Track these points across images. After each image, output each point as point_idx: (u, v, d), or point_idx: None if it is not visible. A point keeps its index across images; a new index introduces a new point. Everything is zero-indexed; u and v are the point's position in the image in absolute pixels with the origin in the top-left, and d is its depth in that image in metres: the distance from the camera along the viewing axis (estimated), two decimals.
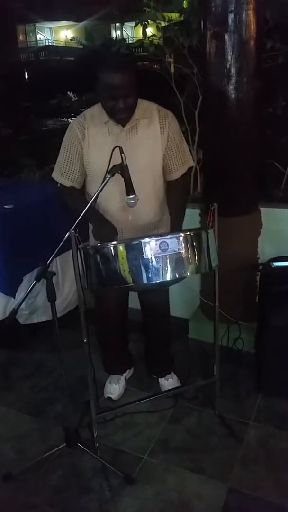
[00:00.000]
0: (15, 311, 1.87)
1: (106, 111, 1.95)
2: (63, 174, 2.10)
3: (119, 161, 1.77)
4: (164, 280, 1.70)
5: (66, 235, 1.73)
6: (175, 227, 2.17)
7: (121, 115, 1.93)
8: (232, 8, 2.26)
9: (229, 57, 2.33)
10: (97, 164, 1.99)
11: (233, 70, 2.34)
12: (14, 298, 2.60)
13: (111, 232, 2.02)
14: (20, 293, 2.59)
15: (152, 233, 2.12)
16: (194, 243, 1.74)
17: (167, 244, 1.68)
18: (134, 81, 1.89)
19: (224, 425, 2.23)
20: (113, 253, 1.71)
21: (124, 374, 2.55)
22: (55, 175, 2.15)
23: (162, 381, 2.50)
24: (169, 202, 2.21)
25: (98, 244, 1.86)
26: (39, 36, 31.46)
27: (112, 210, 2.07)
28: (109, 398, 2.44)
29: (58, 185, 2.16)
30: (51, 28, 31.99)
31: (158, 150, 2.06)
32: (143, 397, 2.31)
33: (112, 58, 2.03)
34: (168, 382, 2.48)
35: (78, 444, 2.05)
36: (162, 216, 2.19)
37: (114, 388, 2.46)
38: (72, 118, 2.19)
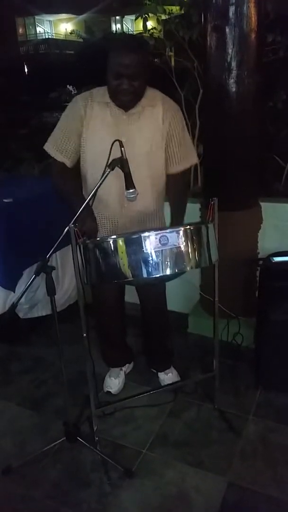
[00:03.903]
0: (14, 305, 1.87)
1: (109, 92, 1.89)
2: (58, 147, 2.01)
3: (119, 154, 1.75)
4: (164, 274, 1.70)
5: (66, 229, 1.72)
6: (175, 221, 2.12)
7: (124, 97, 1.87)
8: (233, 1, 2.24)
9: (230, 51, 2.31)
10: (93, 144, 1.96)
11: (233, 64, 2.33)
12: (14, 292, 2.60)
13: (91, 229, 1.96)
14: (20, 287, 2.59)
15: (147, 227, 2.09)
16: (194, 238, 1.73)
17: (167, 238, 1.67)
18: (144, 65, 1.83)
19: (223, 419, 2.24)
20: (112, 248, 1.70)
21: (124, 369, 2.55)
22: (49, 147, 2.04)
23: (161, 375, 2.50)
24: (169, 196, 2.17)
25: (98, 239, 1.86)
26: (38, 29, 31.24)
27: (108, 201, 2.02)
28: (109, 392, 2.44)
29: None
30: (51, 21, 31.77)
31: (159, 140, 2.00)
32: (142, 391, 2.31)
33: (127, 38, 1.92)
34: (168, 377, 2.48)
35: (78, 438, 2.05)
36: (157, 211, 2.14)
37: (114, 382, 2.47)
38: None
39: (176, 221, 2.12)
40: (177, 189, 2.15)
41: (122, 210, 2.05)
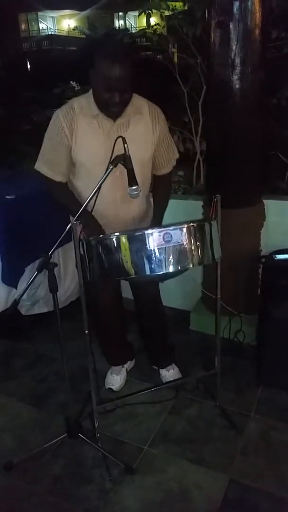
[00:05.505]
0: (16, 302, 1.87)
1: (99, 104, 1.88)
2: (51, 167, 2.02)
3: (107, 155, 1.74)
4: (167, 271, 1.69)
5: (68, 226, 1.72)
6: (157, 218, 2.16)
7: (114, 109, 1.88)
8: None
9: (234, 47, 2.30)
10: (86, 158, 1.94)
11: (237, 60, 2.32)
12: (16, 288, 2.60)
13: (97, 232, 1.96)
14: (22, 283, 2.59)
15: (138, 227, 2.11)
16: (197, 235, 1.73)
17: (171, 235, 1.67)
18: (132, 75, 1.82)
19: (225, 417, 2.24)
20: (115, 245, 1.69)
21: (125, 365, 2.55)
22: (41, 167, 2.05)
23: (163, 372, 2.50)
24: (155, 195, 2.21)
25: (101, 236, 1.85)
26: (41, 25, 31.19)
27: (99, 203, 1.93)
28: (110, 389, 2.44)
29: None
30: (54, 17, 31.70)
31: (148, 147, 2.03)
32: (144, 388, 2.32)
33: (113, 47, 1.88)
34: (169, 373, 2.48)
35: (79, 434, 2.06)
36: (148, 210, 2.19)
37: (115, 379, 2.47)
38: None
39: (157, 218, 2.16)
40: (163, 188, 2.21)
41: (114, 218, 2.06)
